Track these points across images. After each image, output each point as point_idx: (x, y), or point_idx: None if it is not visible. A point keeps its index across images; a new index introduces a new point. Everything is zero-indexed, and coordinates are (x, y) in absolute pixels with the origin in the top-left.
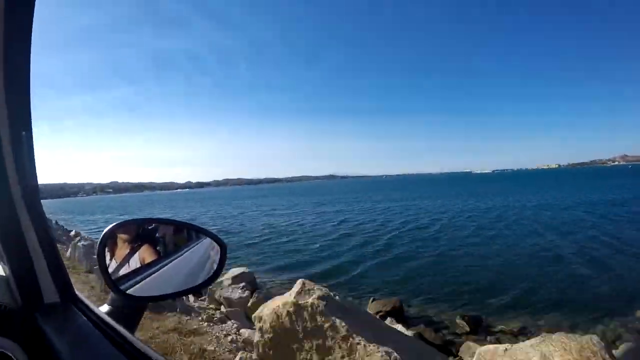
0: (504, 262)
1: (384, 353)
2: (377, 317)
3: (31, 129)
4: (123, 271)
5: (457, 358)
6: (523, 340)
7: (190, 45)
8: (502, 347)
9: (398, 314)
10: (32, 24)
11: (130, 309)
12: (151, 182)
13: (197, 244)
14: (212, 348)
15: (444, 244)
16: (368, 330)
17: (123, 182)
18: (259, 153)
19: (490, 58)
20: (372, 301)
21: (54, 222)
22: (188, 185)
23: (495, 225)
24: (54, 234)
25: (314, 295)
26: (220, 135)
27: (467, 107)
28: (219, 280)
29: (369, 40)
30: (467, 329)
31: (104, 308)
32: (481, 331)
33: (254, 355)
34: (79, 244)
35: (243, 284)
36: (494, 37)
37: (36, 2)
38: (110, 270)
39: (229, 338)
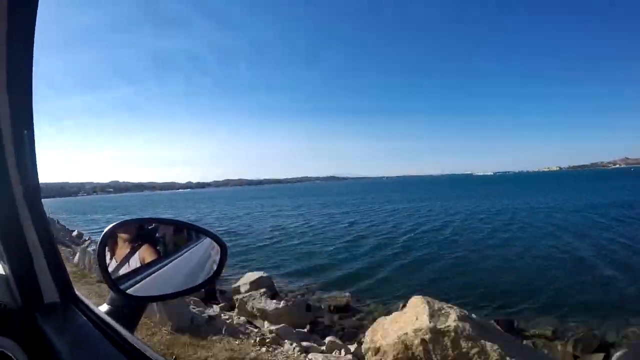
0: (526, 264)
1: None
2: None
3: (33, 128)
4: (123, 271)
5: None
6: (560, 342)
7: (190, 46)
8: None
9: None
10: (34, 24)
11: (130, 309)
12: (152, 182)
13: (197, 244)
14: None
15: (463, 247)
16: (516, 349)
17: (123, 182)
18: (259, 153)
19: (490, 58)
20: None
21: (55, 221)
22: (189, 186)
23: (510, 228)
24: (54, 234)
25: (451, 317)
26: (220, 135)
27: (467, 107)
28: (236, 285)
29: (369, 40)
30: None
31: (104, 308)
32: (516, 335)
33: None
34: (89, 248)
35: (264, 289)
36: (494, 37)
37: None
38: (110, 269)
39: None
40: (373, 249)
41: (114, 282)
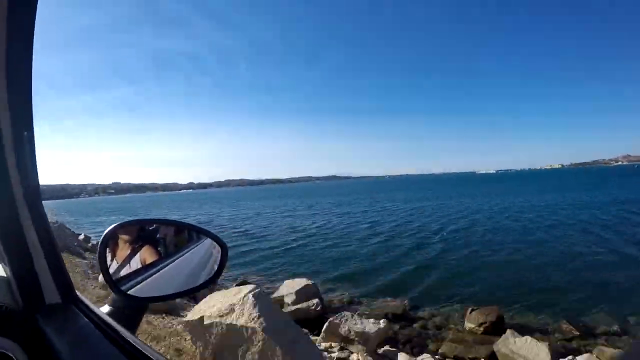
0: (573, 260)
1: None
2: (482, 328)
3: (33, 129)
4: (124, 272)
5: None
6: (633, 337)
7: (190, 45)
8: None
9: (500, 324)
10: (34, 24)
11: (131, 310)
12: (153, 183)
13: (197, 245)
14: None
15: (500, 245)
16: None
17: (125, 183)
18: (260, 153)
19: (490, 58)
20: (471, 312)
21: (65, 226)
22: (191, 186)
23: (540, 225)
24: (65, 241)
25: None
26: (220, 135)
27: (468, 107)
28: (277, 295)
29: (369, 40)
30: (577, 332)
31: (105, 309)
32: (588, 334)
33: None
34: None
35: (316, 300)
36: (494, 37)
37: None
38: (111, 270)
39: None
40: (409, 250)
41: (115, 283)
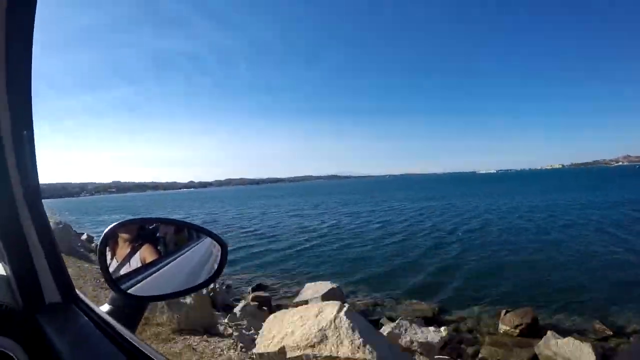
0: (593, 259)
1: None
2: (517, 330)
3: (32, 128)
4: (124, 270)
5: None
6: None
7: (190, 45)
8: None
9: (535, 326)
10: (33, 24)
11: (131, 309)
12: (153, 182)
13: (197, 244)
14: None
15: (518, 245)
16: None
17: (125, 182)
18: (260, 153)
19: (490, 58)
20: (506, 314)
21: (72, 230)
22: (191, 185)
23: (554, 225)
24: (72, 245)
25: None
26: (220, 135)
27: (468, 107)
28: (299, 299)
29: (369, 40)
30: (610, 332)
31: (105, 308)
32: (621, 333)
33: None
34: None
35: (346, 306)
36: (494, 37)
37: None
38: (111, 269)
39: None
40: (428, 251)
41: (115, 282)
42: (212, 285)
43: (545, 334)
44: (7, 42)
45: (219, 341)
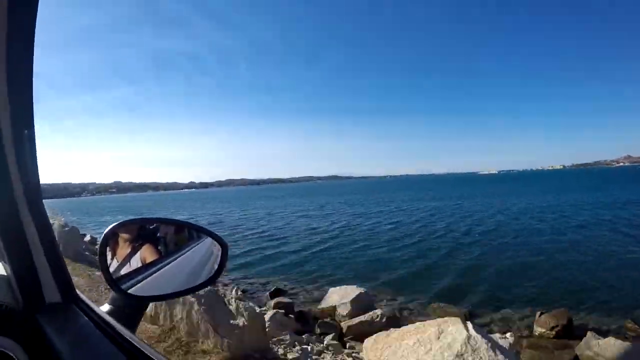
0: (613, 259)
1: None
2: (554, 332)
3: (33, 127)
4: (124, 271)
5: None
6: None
7: (190, 45)
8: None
9: (570, 327)
10: (34, 24)
11: (132, 309)
12: (154, 182)
13: (198, 244)
14: None
15: (537, 246)
16: None
17: (126, 182)
18: (260, 153)
19: (490, 58)
20: (540, 315)
21: (81, 235)
22: (192, 186)
23: (568, 225)
24: (80, 251)
25: None
26: (220, 135)
27: (468, 107)
28: (326, 305)
29: (369, 40)
30: None
31: (105, 308)
32: None
33: None
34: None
35: (379, 311)
36: (494, 37)
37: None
38: (111, 269)
39: None
40: (447, 254)
41: (115, 282)
42: (232, 294)
43: (584, 334)
44: (8, 42)
45: None
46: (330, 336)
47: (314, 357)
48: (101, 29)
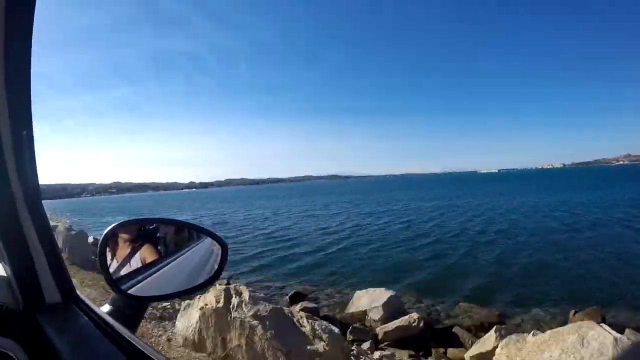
0: (634, 256)
1: None
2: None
3: (32, 128)
4: (124, 271)
5: None
6: None
7: (190, 45)
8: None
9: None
10: (32, 23)
11: (132, 309)
12: (154, 182)
13: (198, 244)
14: None
15: (555, 244)
16: None
17: (126, 182)
18: (260, 153)
19: (490, 58)
20: (574, 314)
21: (85, 233)
22: (192, 185)
23: (581, 224)
24: (87, 255)
25: None
26: (220, 135)
27: (468, 107)
28: (356, 310)
29: (369, 40)
30: None
31: (105, 308)
32: None
33: None
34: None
35: (415, 315)
36: (494, 37)
37: (36, 2)
38: (111, 270)
39: None
40: (467, 253)
41: (115, 282)
42: (246, 295)
43: (622, 332)
44: (7, 41)
45: None
46: (368, 343)
47: None
48: (101, 29)
